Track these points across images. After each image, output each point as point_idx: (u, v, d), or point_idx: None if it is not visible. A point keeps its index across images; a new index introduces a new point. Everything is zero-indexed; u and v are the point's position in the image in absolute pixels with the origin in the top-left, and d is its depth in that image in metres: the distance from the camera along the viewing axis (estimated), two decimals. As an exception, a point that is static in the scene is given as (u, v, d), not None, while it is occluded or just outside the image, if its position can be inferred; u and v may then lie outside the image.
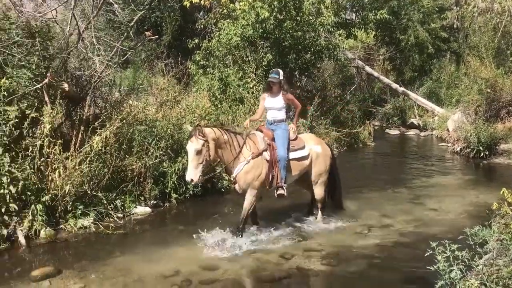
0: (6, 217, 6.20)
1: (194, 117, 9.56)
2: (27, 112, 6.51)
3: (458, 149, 13.41)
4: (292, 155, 6.51)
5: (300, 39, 13.24)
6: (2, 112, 6.21)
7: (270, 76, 6.62)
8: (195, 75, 13.71)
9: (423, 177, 10.73)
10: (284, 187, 6.40)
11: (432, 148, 16.21)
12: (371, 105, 21.34)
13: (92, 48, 7.62)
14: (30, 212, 6.31)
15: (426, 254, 4.01)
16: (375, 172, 11.60)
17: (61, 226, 6.65)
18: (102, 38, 7.83)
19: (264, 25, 12.49)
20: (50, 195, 6.50)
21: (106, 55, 7.67)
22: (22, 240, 6.16)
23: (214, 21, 14.53)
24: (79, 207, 6.81)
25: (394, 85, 20.59)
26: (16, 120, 6.25)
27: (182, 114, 9.48)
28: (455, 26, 23.35)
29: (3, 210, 6.14)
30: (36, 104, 6.75)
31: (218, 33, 13.29)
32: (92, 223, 6.78)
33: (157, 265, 5.45)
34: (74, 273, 5.29)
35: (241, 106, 11.80)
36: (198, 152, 5.71)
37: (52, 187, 6.56)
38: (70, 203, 6.73)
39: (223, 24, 13.17)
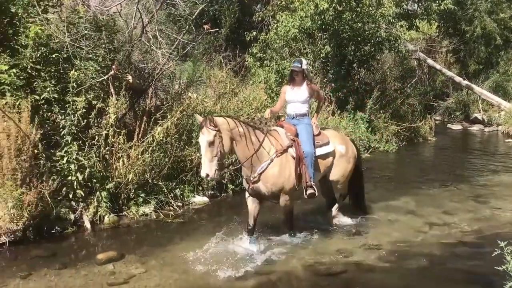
0: (73, 203, 6.55)
1: (251, 109, 9.62)
2: (94, 102, 6.80)
3: (526, 145, 12.74)
4: (318, 151, 5.96)
5: (359, 31, 13.00)
6: (71, 103, 6.51)
7: (292, 65, 6.13)
8: (252, 68, 13.78)
9: (487, 174, 10.29)
10: (314, 186, 5.80)
11: (498, 144, 15.50)
12: (432, 99, 20.59)
13: (154, 41, 7.83)
14: (95, 199, 6.62)
15: (494, 254, 3.83)
16: (436, 168, 11.22)
17: (123, 213, 6.95)
18: (164, 31, 8.01)
19: (323, 16, 12.33)
20: (114, 182, 6.78)
21: (168, 48, 7.85)
22: (87, 225, 6.48)
23: (272, 13, 14.51)
24: (141, 195, 7.06)
25: (458, 78, 19.79)
26: (84, 111, 6.53)
27: (239, 107, 9.57)
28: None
29: (70, 196, 6.48)
30: (102, 95, 7.04)
31: (275, 25, 13.28)
32: (152, 210, 7.02)
33: (215, 254, 5.55)
34: (136, 258, 5.49)
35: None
36: (211, 144, 5.14)
37: (116, 175, 6.84)
38: (133, 191, 7.00)
39: (281, 16, 13.13)
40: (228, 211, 7.60)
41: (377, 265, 5.43)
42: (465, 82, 19.37)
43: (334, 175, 6.30)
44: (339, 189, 6.57)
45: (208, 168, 5.17)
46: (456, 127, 18.72)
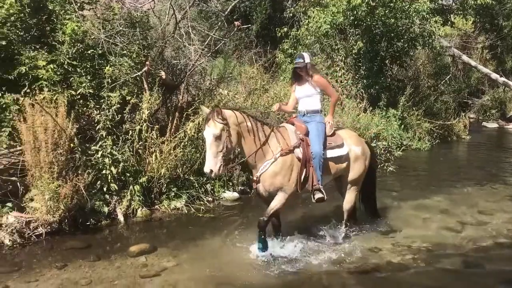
0: (107, 196, 6.68)
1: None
2: (128, 98, 6.92)
3: None
4: (329, 153, 5.52)
5: (392, 26, 12.80)
6: (106, 98, 6.64)
7: (294, 61, 5.69)
8: (283, 64, 13.74)
9: (525, 174, 9.98)
10: (322, 189, 5.39)
11: (536, 143, 15.02)
12: (467, 96, 20.14)
13: (186, 37, 7.90)
14: (129, 192, 6.74)
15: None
16: (470, 167, 10.98)
17: (156, 207, 7.06)
18: (196, 27, 8.07)
19: (355, 12, 12.20)
20: (146, 177, 6.90)
21: (200, 44, 7.91)
22: (121, 217, 6.61)
23: (303, 9, 14.43)
24: (173, 189, 7.17)
25: (494, 75, 19.23)
26: (118, 106, 6.65)
27: (270, 103, 9.57)
28: None
29: (105, 189, 6.61)
30: (136, 91, 7.16)
31: (307, 21, 13.20)
32: (184, 205, 7.11)
33: (246, 250, 5.57)
34: (167, 251, 5.56)
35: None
36: (217, 138, 4.84)
37: (148, 169, 6.94)
38: (165, 185, 7.11)
39: (313, 12, 13.04)
40: (258, 207, 7.59)
41: (408, 264, 5.35)
42: (502, 79, 18.82)
43: (349, 178, 5.89)
44: (352, 190, 6.03)
45: (212, 163, 4.86)
46: (492, 125, 18.26)
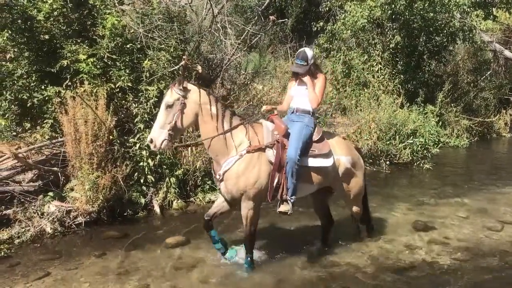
0: (144, 188, 6.81)
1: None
2: (165, 92, 6.99)
3: None
4: (310, 162, 4.82)
5: (431, 21, 12.49)
6: (144, 91, 6.76)
7: (295, 62, 5.02)
8: (318, 59, 13.64)
9: None
10: (290, 201, 4.75)
11: None
12: (508, 93, 19.44)
13: (223, 32, 7.94)
14: (165, 184, 6.87)
15: None
16: (511, 166, 10.62)
17: (191, 199, 7.17)
18: (232, 22, 8.10)
19: (393, 6, 11.95)
20: (182, 169, 6.99)
21: (236, 39, 7.94)
22: (157, 209, 6.73)
23: (339, 3, 14.26)
24: (207, 182, 7.25)
25: (538, 71, 18.56)
26: (155, 99, 6.74)
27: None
28: None
29: (142, 181, 6.74)
30: (173, 85, 7.23)
31: (343, 15, 13.04)
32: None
33: (279, 244, 5.58)
34: (203, 243, 5.61)
35: (365, 90, 11.48)
36: (169, 107, 4.41)
37: (184, 162, 7.04)
38: (200, 178, 7.20)
39: (349, 6, 12.87)
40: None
41: (445, 262, 5.26)
42: (546, 76, 18.14)
43: (347, 190, 5.26)
44: (350, 208, 5.51)
45: (156, 134, 4.42)
46: (534, 122, 17.59)
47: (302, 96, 4.97)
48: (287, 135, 4.76)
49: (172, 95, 4.46)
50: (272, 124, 4.88)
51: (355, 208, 5.47)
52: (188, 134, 7.03)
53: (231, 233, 5.91)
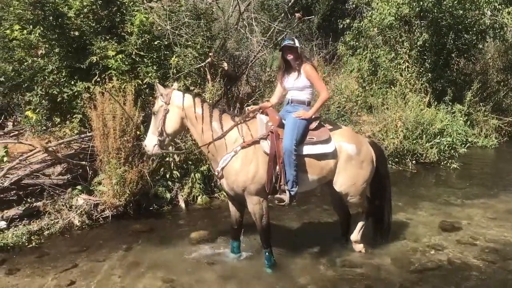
0: (169, 183, 6.89)
1: (342, 98, 9.50)
2: (191, 88, 7.07)
3: None
4: (307, 149, 4.68)
5: (460, 18, 12.23)
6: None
7: (283, 42, 4.85)
8: (344, 56, 13.54)
9: None
10: (290, 192, 4.62)
11: None
12: (540, 92, 18.96)
13: (249, 29, 7.97)
14: (190, 180, 6.94)
15: None
16: (541, 167, 10.35)
17: (215, 195, 7.22)
18: (259, 19, 8.12)
19: (421, 3, 11.76)
20: (207, 165, 7.01)
21: (263, 36, 7.96)
22: (182, 204, 6.82)
23: (366, 0, 14.11)
24: (232, 179, 7.25)
25: None
26: (182, 96, 6.82)
27: (331, 95, 9.47)
28: None
29: (167, 176, 6.83)
30: (199, 81, 7.31)
31: (370, 12, 12.90)
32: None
33: (306, 241, 5.58)
34: (227, 239, 5.59)
35: (392, 88, 11.34)
36: (154, 114, 4.65)
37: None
38: (224, 174, 7.21)
39: (376, 3, 12.72)
40: (321, 195, 7.45)
41: (472, 263, 5.16)
42: None
43: (340, 184, 4.93)
44: (352, 203, 5.22)
45: (148, 140, 4.68)
46: None
47: (294, 90, 4.87)
48: (281, 125, 4.71)
49: (157, 103, 4.65)
50: (266, 116, 4.83)
51: (356, 202, 5.14)
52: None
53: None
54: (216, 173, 4.76)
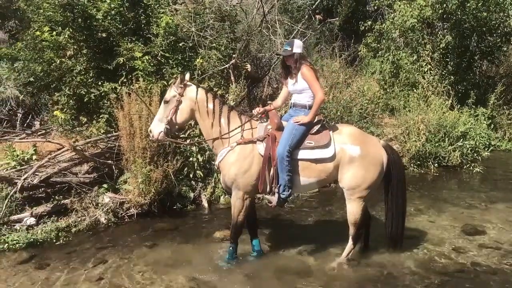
0: (193, 182, 7.00)
1: (364, 100, 9.49)
2: (215, 89, 7.16)
3: None
4: (306, 154, 4.73)
5: (484, 20, 12.10)
6: (195, 89, 6.92)
7: (283, 48, 4.97)
8: (366, 58, 13.50)
9: None
10: (281, 195, 4.74)
11: None
12: None
13: (272, 31, 8.03)
14: (213, 180, 7.02)
15: None
16: None
17: (238, 195, 7.25)
18: (283, 21, 8.18)
19: (445, 5, 11.67)
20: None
21: (285, 38, 8.01)
22: (205, 203, 6.91)
23: (388, 2, 14.05)
24: (254, 179, 7.32)
25: None
26: (206, 96, 6.91)
27: (352, 97, 9.47)
28: None
29: (191, 175, 6.93)
30: (222, 83, 7.39)
31: (392, 14, 12.84)
32: (264, 195, 7.21)
33: (329, 242, 5.62)
34: (249, 239, 5.66)
35: (414, 90, 11.28)
36: (165, 102, 4.77)
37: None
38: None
39: (399, 6, 12.66)
40: (338, 199, 7.48)
41: (497, 267, 5.11)
42: None
43: (345, 183, 4.86)
44: (354, 200, 4.95)
45: (154, 125, 4.82)
46: None
47: (297, 94, 4.92)
48: (281, 128, 4.80)
49: (170, 92, 4.81)
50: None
51: (352, 208, 4.93)
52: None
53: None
54: (216, 168, 4.98)
